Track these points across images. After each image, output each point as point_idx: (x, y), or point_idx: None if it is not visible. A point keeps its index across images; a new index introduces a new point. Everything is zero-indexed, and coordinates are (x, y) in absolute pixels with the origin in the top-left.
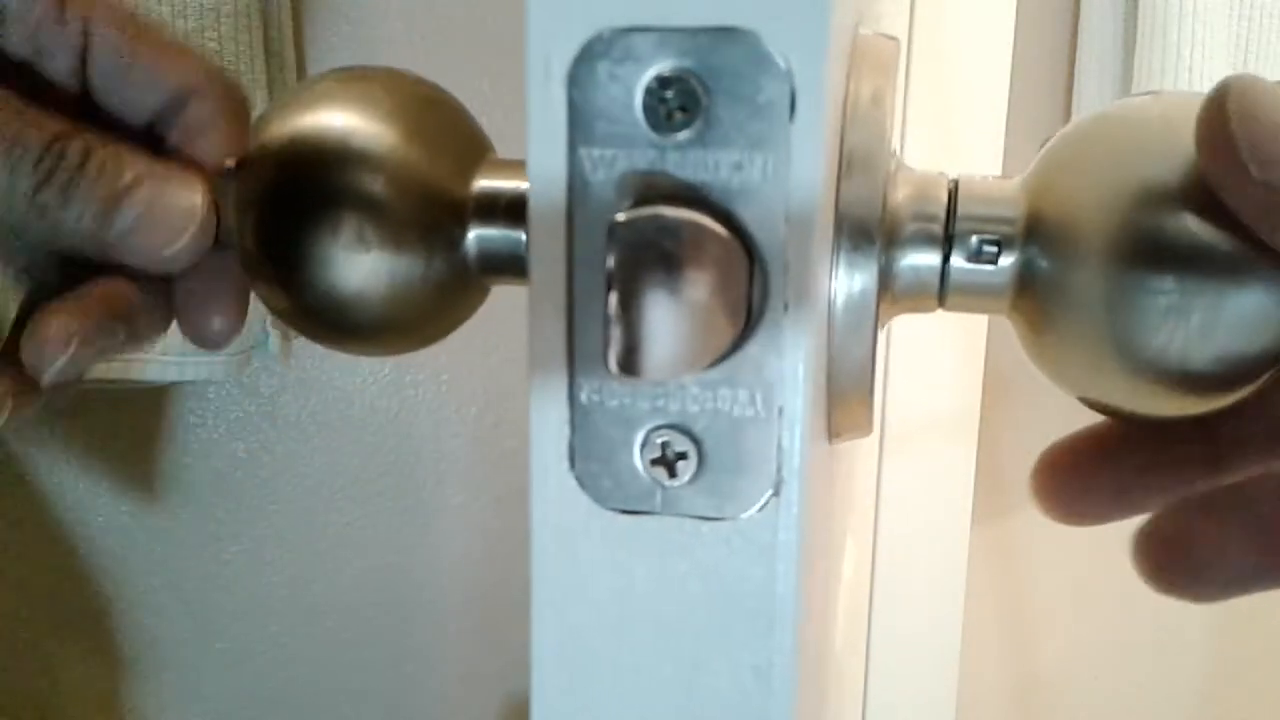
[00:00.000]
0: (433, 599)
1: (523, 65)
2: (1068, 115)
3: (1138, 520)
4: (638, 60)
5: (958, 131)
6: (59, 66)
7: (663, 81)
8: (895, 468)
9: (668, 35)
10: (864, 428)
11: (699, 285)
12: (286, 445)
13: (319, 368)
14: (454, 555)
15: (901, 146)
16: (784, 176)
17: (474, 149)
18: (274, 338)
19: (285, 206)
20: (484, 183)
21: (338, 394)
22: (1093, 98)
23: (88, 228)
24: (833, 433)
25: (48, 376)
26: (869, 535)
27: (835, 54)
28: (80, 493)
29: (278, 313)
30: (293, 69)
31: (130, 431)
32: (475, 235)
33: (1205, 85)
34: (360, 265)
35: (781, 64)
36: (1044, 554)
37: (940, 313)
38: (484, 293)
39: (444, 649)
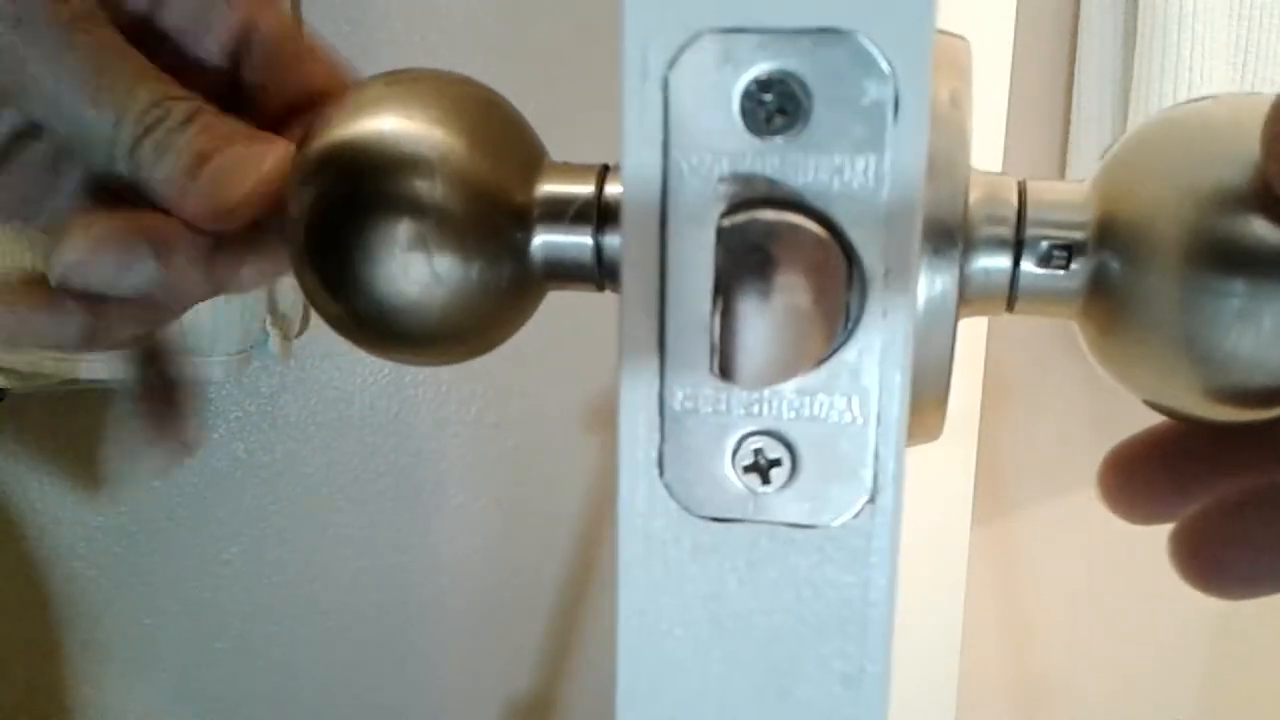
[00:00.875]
0: (433, 599)
1: (525, 64)
2: (1068, 115)
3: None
4: (736, 62)
5: None
6: (208, 45)
7: (762, 84)
8: None
9: (767, 37)
10: (935, 432)
11: (801, 290)
12: (286, 445)
13: (319, 368)
14: (454, 555)
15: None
16: (884, 180)
17: (533, 153)
18: (274, 338)
19: (343, 212)
20: (549, 187)
21: (338, 394)
22: (1092, 98)
23: (168, 178)
24: (910, 438)
25: (59, 268)
26: None
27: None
28: (80, 492)
29: (327, 318)
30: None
31: (130, 432)
32: (541, 241)
33: (1205, 86)
34: (420, 272)
35: (885, 66)
36: (1044, 554)
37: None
38: (542, 297)
39: (444, 649)
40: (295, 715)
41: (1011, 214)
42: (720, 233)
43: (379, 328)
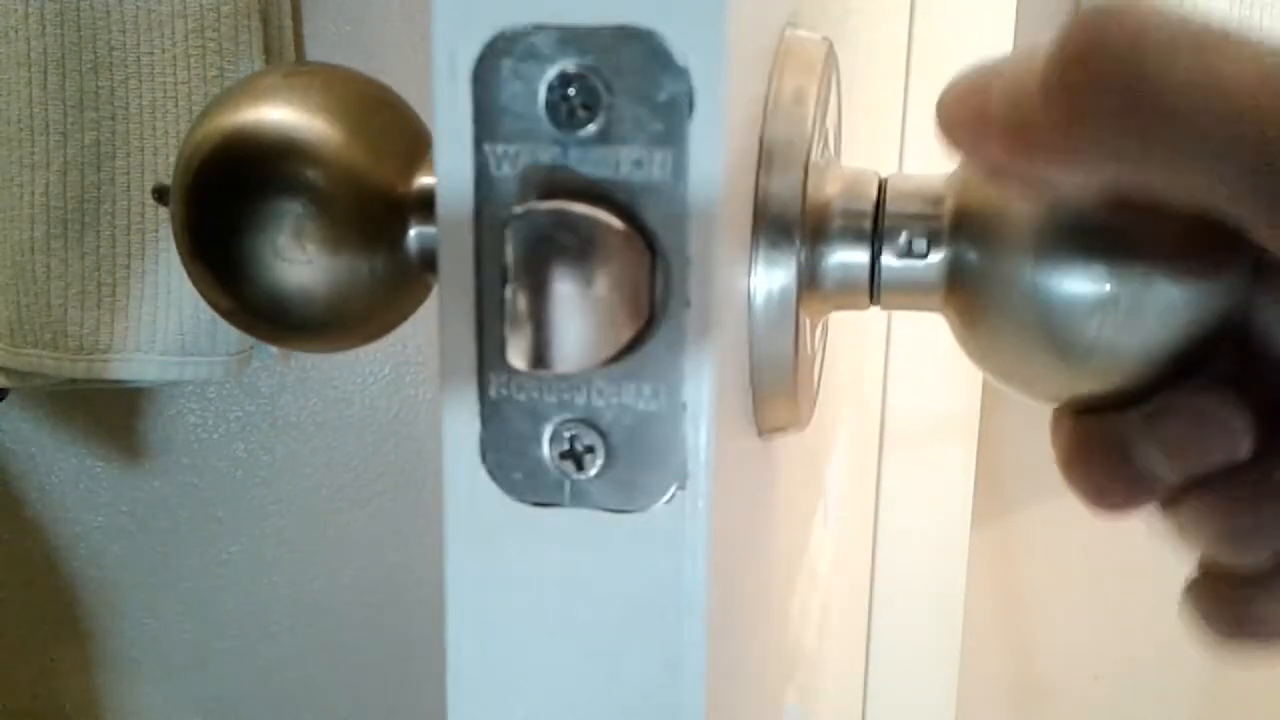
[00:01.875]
0: (433, 599)
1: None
2: None
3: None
4: (540, 58)
5: None
6: None
7: (565, 79)
8: (895, 468)
9: (569, 33)
10: (793, 423)
11: (597, 279)
12: (286, 445)
13: (319, 368)
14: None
15: (902, 147)
16: (683, 173)
17: (417, 147)
18: None
19: (222, 202)
20: (426, 179)
21: (338, 394)
22: None
23: None
24: (762, 428)
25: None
26: (869, 535)
27: (739, 53)
28: (80, 493)
29: (221, 312)
30: (280, 64)
31: (130, 431)
32: (416, 232)
33: None
34: (300, 261)
35: (680, 63)
36: (1044, 554)
37: (939, 314)
38: (427, 290)
39: (444, 649)
40: (295, 715)
41: (869, 207)
42: (511, 222)
43: (267, 318)
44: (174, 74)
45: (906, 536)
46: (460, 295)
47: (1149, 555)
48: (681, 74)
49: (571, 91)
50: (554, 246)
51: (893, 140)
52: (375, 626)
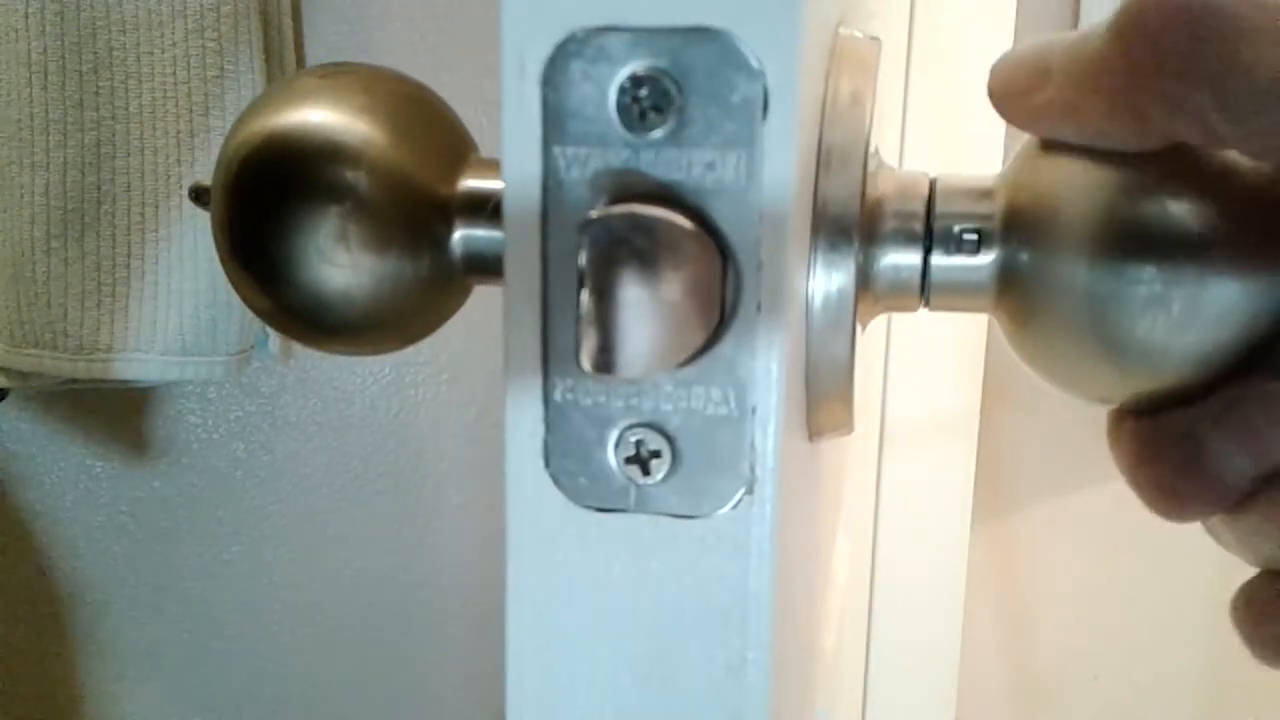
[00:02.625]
0: (433, 599)
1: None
2: None
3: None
4: (611, 60)
5: (958, 131)
6: None
7: (636, 81)
8: (895, 468)
9: (640, 35)
10: (844, 427)
11: (670, 283)
12: (286, 445)
13: (319, 368)
14: (454, 555)
15: (901, 147)
16: (757, 176)
17: (459, 148)
18: (274, 338)
19: (265, 204)
20: (470, 182)
21: (338, 394)
22: None
23: None
24: (813, 432)
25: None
26: (869, 535)
27: (809, 53)
28: (80, 493)
29: (258, 312)
30: (293, 69)
31: (130, 431)
32: (461, 235)
33: None
34: (343, 264)
35: (754, 63)
36: (1044, 554)
37: (939, 314)
38: (467, 292)
39: (444, 649)
40: (295, 715)
41: (921, 208)
42: (586, 227)
43: (306, 320)
44: (174, 74)
45: (906, 536)
46: (526, 298)
47: (1149, 555)
48: (755, 75)
49: (643, 93)
50: (629, 250)
51: (893, 140)
52: (375, 626)
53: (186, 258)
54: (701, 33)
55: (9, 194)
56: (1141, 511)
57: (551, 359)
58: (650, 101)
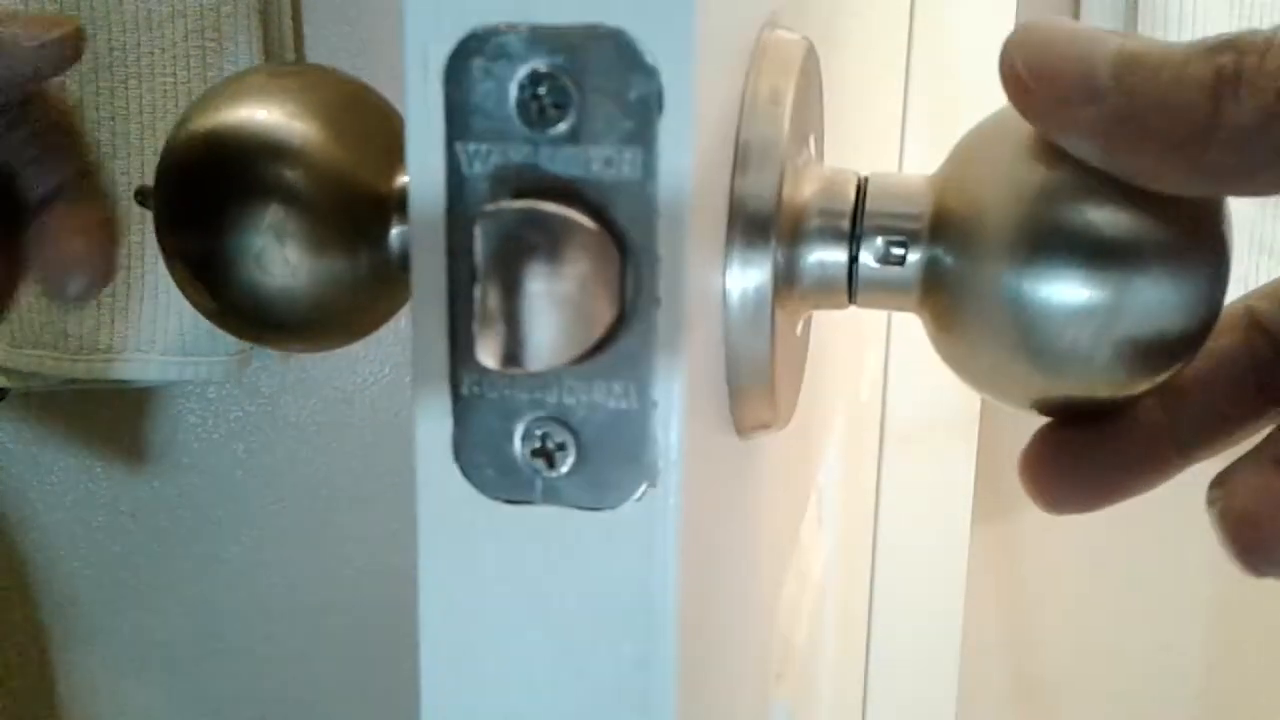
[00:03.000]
0: None
1: None
2: None
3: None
4: (511, 57)
5: (958, 131)
6: None
7: (535, 78)
8: (895, 468)
9: (539, 33)
10: (771, 422)
11: (565, 277)
12: (286, 445)
13: (319, 368)
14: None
15: (901, 147)
16: (654, 172)
17: (399, 146)
18: None
19: (205, 199)
20: (406, 179)
21: (338, 394)
22: None
23: None
24: (740, 427)
25: None
26: (869, 535)
27: (710, 52)
28: (80, 493)
29: (204, 312)
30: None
31: (131, 431)
32: (398, 231)
33: None
34: (281, 260)
35: (650, 61)
36: (1044, 554)
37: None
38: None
39: None
40: (295, 715)
41: (848, 206)
42: (480, 221)
43: (250, 318)
44: (174, 74)
45: (906, 536)
46: (432, 294)
47: (1149, 555)
48: (651, 73)
49: (542, 90)
50: (523, 245)
51: (893, 140)
52: (375, 626)
53: None
54: (599, 31)
55: None
56: (1141, 512)
57: (458, 353)
58: (550, 99)
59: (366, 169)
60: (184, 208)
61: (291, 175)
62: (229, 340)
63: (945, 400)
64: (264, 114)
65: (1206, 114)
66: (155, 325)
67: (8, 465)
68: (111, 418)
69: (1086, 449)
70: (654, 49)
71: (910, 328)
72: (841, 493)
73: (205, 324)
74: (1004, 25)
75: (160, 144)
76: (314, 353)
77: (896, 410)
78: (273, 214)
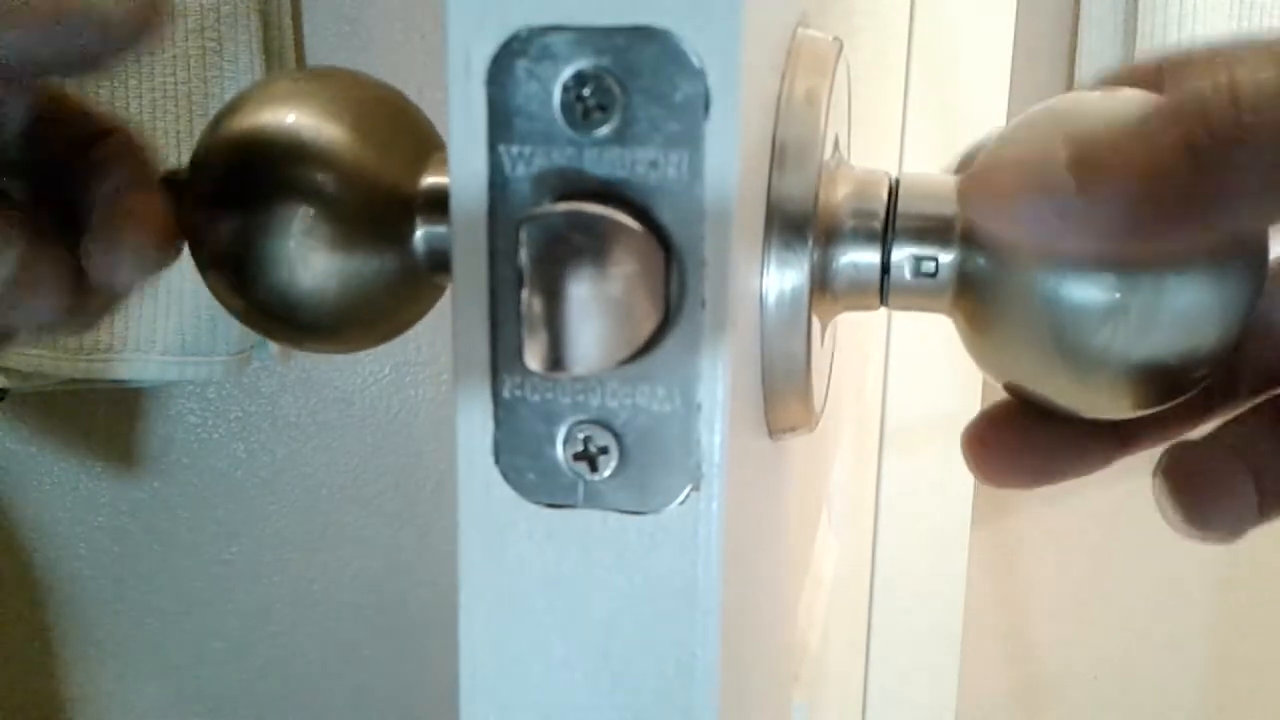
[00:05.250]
0: (433, 599)
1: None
2: None
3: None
4: (555, 58)
5: (958, 131)
6: None
7: (580, 80)
8: (895, 468)
9: (584, 34)
10: (804, 424)
11: (611, 280)
12: (286, 445)
13: (319, 368)
14: (454, 555)
15: (901, 147)
16: (700, 174)
17: (425, 147)
18: None
19: (235, 203)
20: (432, 180)
21: (338, 394)
22: None
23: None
24: (773, 429)
25: None
26: (869, 535)
27: (753, 53)
28: (80, 492)
29: (233, 312)
30: (293, 69)
31: (131, 431)
32: (423, 233)
33: None
34: (310, 261)
35: (696, 63)
36: (1044, 554)
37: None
38: (438, 290)
39: (444, 649)
40: (295, 715)
41: (881, 208)
42: (525, 224)
43: (278, 318)
44: (174, 74)
45: (906, 536)
46: (474, 297)
47: (1149, 555)
48: (697, 74)
49: (586, 92)
50: (569, 248)
51: (893, 140)
52: (375, 626)
53: (186, 258)
54: (644, 32)
55: None
56: (1141, 512)
57: (500, 356)
58: (594, 100)
59: (391, 169)
60: (214, 210)
61: (319, 178)
62: (229, 340)
63: (945, 400)
64: (290, 117)
65: (1193, 183)
66: (155, 325)
67: (8, 465)
68: (111, 418)
69: (1033, 430)
70: (700, 50)
71: (910, 328)
72: (844, 493)
73: (205, 324)
74: (1004, 25)
75: (160, 144)
76: (344, 353)
77: (896, 410)
78: (302, 216)
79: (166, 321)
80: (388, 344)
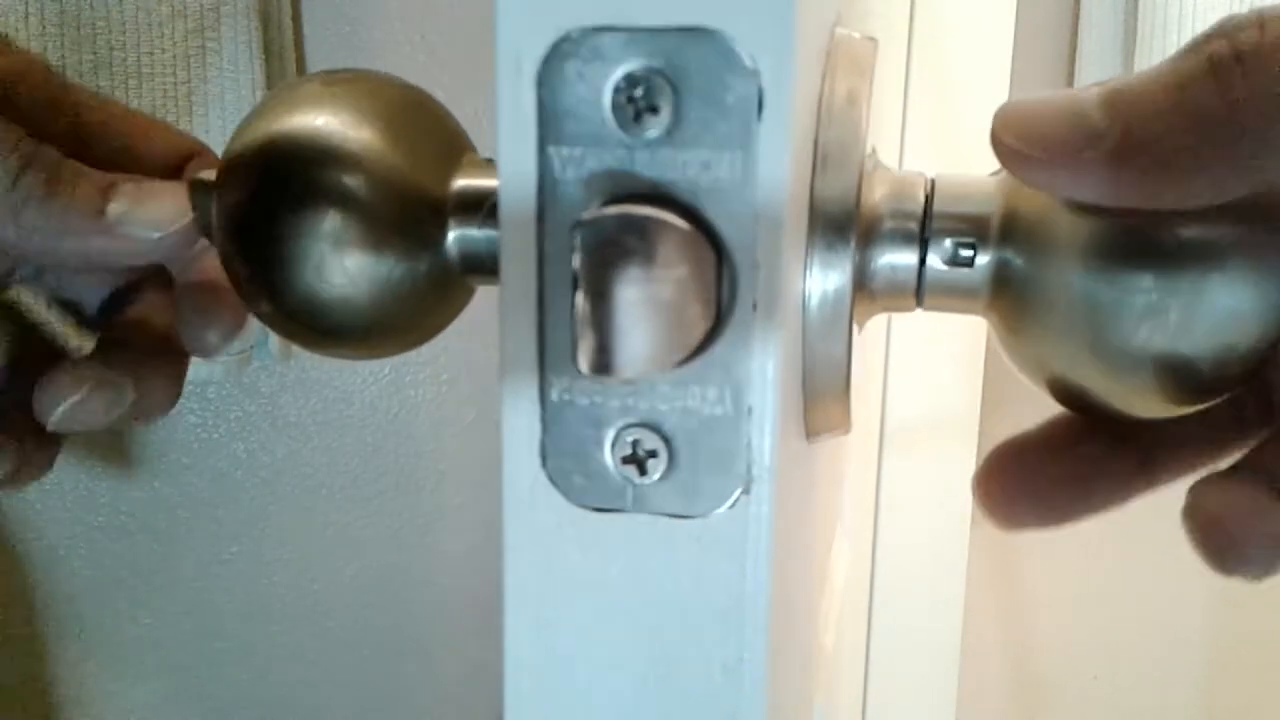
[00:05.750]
0: (433, 599)
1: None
2: None
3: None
4: (606, 60)
5: (958, 131)
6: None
7: (631, 81)
8: (895, 468)
9: (635, 35)
10: (841, 426)
11: (664, 283)
12: (286, 445)
13: (319, 368)
14: (454, 555)
15: (901, 147)
16: (752, 176)
17: (454, 149)
18: (274, 338)
19: (264, 206)
20: (463, 182)
21: (338, 394)
22: None
23: (74, 224)
24: (810, 431)
25: (52, 420)
26: (869, 535)
27: (804, 54)
28: (80, 493)
29: (260, 317)
30: (293, 69)
31: (131, 431)
32: (456, 235)
33: None
34: (340, 265)
35: (749, 63)
36: (1044, 554)
37: (939, 313)
38: (469, 293)
39: (444, 649)
40: (295, 715)
41: (918, 209)
42: (579, 227)
43: (306, 323)
44: (174, 74)
45: (906, 536)
46: (522, 299)
47: (1149, 555)
48: (750, 75)
49: (638, 93)
50: (622, 251)
51: (893, 140)
52: (375, 626)
53: None
54: (696, 33)
55: None
56: (1141, 513)
57: (548, 359)
58: (645, 101)
59: (421, 172)
60: (244, 213)
61: (349, 182)
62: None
63: (945, 400)
64: (320, 120)
65: (1217, 103)
66: None
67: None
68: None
69: (1044, 467)
70: (753, 50)
71: (911, 328)
72: (849, 494)
73: None
74: (1004, 25)
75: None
76: (372, 359)
77: (896, 410)
78: (331, 221)
79: None
80: None
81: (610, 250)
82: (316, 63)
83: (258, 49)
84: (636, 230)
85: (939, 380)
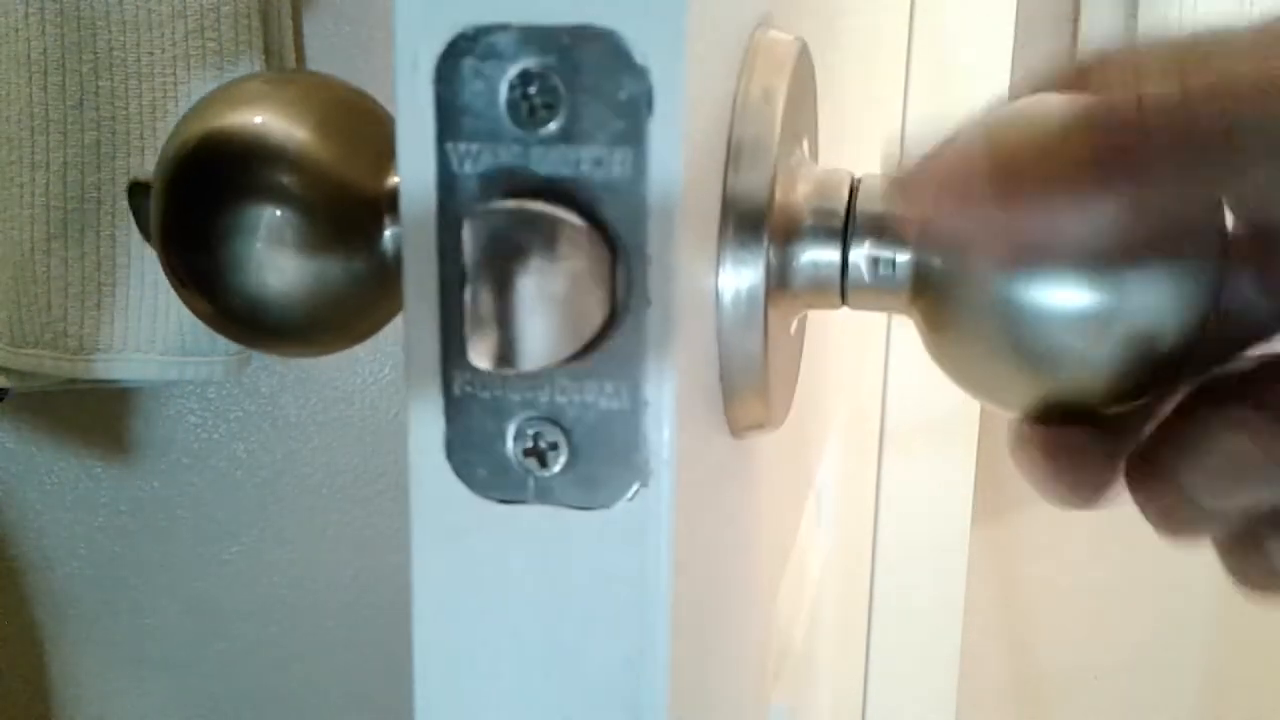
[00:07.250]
0: None
1: None
2: None
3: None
4: (501, 57)
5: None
6: None
7: (526, 78)
8: (895, 468)
9: (530, 32)
10: (765, 423)
11: (555, 277)
12: (286, 445)
13: (319, 368)
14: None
15: (901, 147)
16: (643, 172)
17: (391, 149)
18: None
19: (199, 205)
20: (397, 179)
21: (338, 394)
22: None
23: None
24: (735, 427)
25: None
26: (869, 535)
27: (700, 53)
28: (80, 493)
29: (202, 317)
30: (293, 69)
31: (130, 431)
32: (392, 233)
33: None
34: (277, 264)
35: (640, 62)
36: (1044, 554)
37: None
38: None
39: None
40: (294, 715)
41: (840, 207)
42: (469, 222)
43: (246, 322)
44: (174, 74)
45: (906, 536)
46: (423, 294)
47: (1149, 555)
48: (641, 73)
49: (532, 90)
50: (513, 245)
51: (893, 140)
52: (375, 626)
53: None
54: (588, 31)
55: (9, 194)
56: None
57: (450, 353)
58: (540, 98)
59: (357, 170)
60: (180, 211)
61: (285, 180)
62: (229, 340)
63: (945, 400)
64: (256, 118)
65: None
66: (155, 325)
67: (8, 465)
68: (112, 418)
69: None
70: (644, 49)
71: (910, 328)
72: (841, 493)
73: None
74: (1004, 25)
75: (160, 144)
76: (311, 356)
77: (896, 410)
78: (267, 219)
79: (166, 321)
80: (388, 345)
81: (502, 243)
82: (316, 62)
83: (258, 49)
84: (528, 224)
85: (939, 380)
